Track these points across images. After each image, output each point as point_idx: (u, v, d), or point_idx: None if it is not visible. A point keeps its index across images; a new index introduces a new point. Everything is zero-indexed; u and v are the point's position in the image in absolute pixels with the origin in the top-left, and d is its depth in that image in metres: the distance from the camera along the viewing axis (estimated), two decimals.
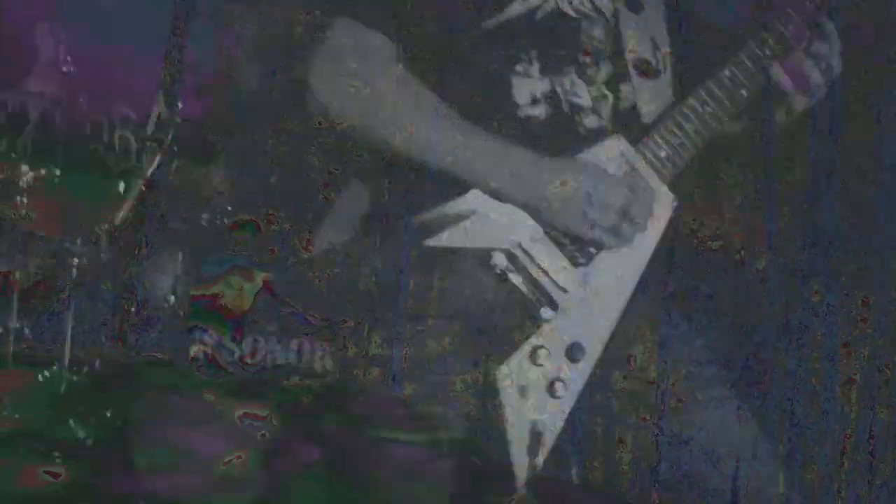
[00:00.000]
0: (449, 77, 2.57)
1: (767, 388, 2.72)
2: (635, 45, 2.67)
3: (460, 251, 2.52)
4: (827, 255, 2.78)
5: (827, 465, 2.74)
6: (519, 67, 2.60)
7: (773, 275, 2.79)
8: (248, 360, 2.51)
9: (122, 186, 3.44)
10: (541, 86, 2.60)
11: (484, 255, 2.52)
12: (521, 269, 2.53)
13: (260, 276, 2.52)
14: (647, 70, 2.67)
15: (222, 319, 2.52)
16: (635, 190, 2.56)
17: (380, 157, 2.54)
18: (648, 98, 2.66)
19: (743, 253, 2.83)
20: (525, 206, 2.52)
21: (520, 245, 2.53)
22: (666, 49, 2.71)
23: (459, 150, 2.50)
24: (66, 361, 3.24)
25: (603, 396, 2.58)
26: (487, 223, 2.53)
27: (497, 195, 2.51)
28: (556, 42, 2.61)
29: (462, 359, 2.53)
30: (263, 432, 2.46)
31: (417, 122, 2.51)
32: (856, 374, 2.78)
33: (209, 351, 2.51)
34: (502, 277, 2.52)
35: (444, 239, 2.51)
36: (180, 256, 3.30)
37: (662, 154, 2.60)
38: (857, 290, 2.82)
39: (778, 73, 2.65)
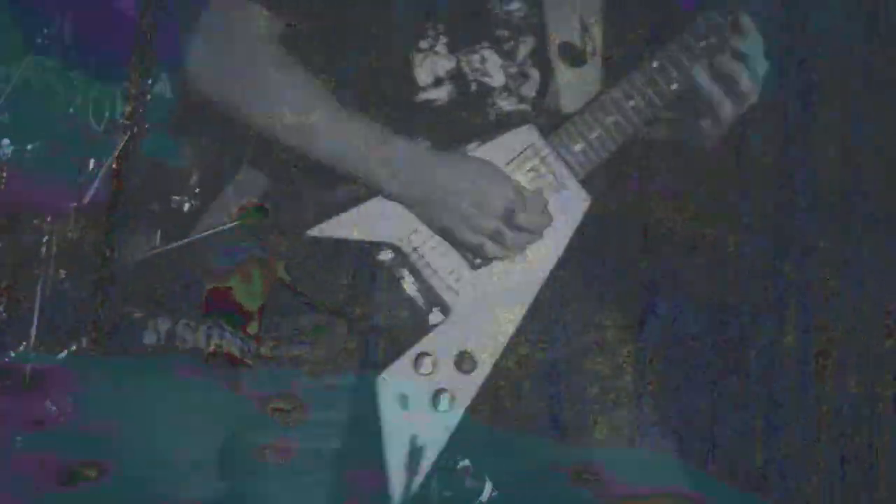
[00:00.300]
0: (341, 56, 2.33)
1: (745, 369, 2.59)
2: (560, 26, 2.41)
3: (344, 243, 2.28)
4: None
5: (804, 438, 2.64)
6: (423, 43, 2.35)
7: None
8: (266, 353, 2.30)
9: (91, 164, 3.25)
10: (446, 64, 2.35)
11: (370, 249, 2.29)
12: (410, 267, 2.29)
13: (279, 267, 2.29)
14: (572, 55, 2.41)
15: (239, 313, 2.30)
16: (522, 192, 2.30)
17: (263, 142, 2.31)
18: (571, 85, 2.40)
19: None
20: (405, 203, 2.28)
21: (410, 240, 2.29)
22: (597, 33, 2.45)
23: (338, 139, 2.26)
24: (32, 343, 3.05)
25: (493, 412, 2.33)
26: (376, 214, 2.29)
27: (377, 189, 2.27)
28: (466, 13, 2.36)
29: (339, 362, 2.30)
30: None
31: (295, 108, 2.27)
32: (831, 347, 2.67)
33: (225, 346, 2.31)
34: (389, 275, 2.29)
35: (327, 229, 2.28)
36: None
37: (577, 148, 2.34)
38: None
39: (700, 75, 2.38)
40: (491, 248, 2.29)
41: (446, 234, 2.30)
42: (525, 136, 2.33)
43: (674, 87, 2.36)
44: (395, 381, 2.27)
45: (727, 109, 2.36)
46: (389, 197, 2.28)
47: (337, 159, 2.27)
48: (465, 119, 2.35)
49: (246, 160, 2.38)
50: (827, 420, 2.62)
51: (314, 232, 2.27)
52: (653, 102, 2.35)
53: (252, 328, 2.30)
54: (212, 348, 2.29)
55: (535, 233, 2.30)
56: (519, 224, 2.29)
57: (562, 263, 2.36)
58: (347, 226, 2.28)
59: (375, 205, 2.29)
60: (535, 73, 2.39)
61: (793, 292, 2.64)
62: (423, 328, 2.29)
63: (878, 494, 2.61)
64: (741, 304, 2.60)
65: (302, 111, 2.28)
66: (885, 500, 2.60)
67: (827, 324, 2.63)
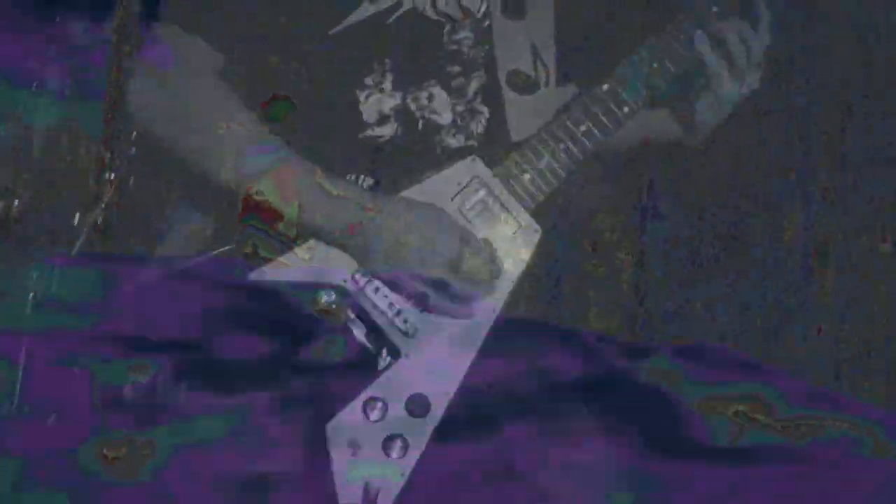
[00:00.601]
0: (284, 91, 2.27)
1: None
2: (511, 53, 2.34)
3: (287, 284, 2.21)
4: None
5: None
6: (369, 80, 2.28)
7: None
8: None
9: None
10: (391, 101, 2.28)
11: (312, 290, 2.21)
12: (356, 308, 2.21)
13: (317, 170, 2.21)
14: (522, 84, 2.33)
15: (274, 217, 2.22)
16: (470, 241, 2.20)
17: (200, 178, 2.26)
18: (522, 114, 2.32)
19: None
20: (342, 247, 2.20)
21: (356, 280, 2.21)
22: (551, 60, 2.37)
23: (272, 177, 2.19)
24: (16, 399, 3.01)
25: (449, 458, 2.23)
26: (319, 252, 2.21)
27: (313, 232, 2.19)
28: (413, 49, 2.29)
29: (286, 409, 2.21)
30: None
31: (231, 145, 2.22)
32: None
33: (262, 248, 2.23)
34: (333, 317, 2.21)
35: (268, 272, 2.21)
36: None
37: (525, 178, 2.26)
38: None
39: (702, 45, 2.30)
40: (434, 299, 2.20)
41: (389, 283, 2.21)
42: (469, 167, 2.25)
43: (625, 109, 2.27)
44: (344, 428, 2.18)
45: (726, 82, 2.27)
46: (329, 243, 2.21)
47: (271, 199, 2.20)
48: (410, 156, 2.28)
49: (183, 196, 2.34)
50: (827, 317, 2.65)
51: (254, 275, 2.21)
52: (603, 126, 2.26)
53: (289, 230, 2.21)
54: (249, 249, 2.21)
55: (483, 282, 2.21)
56: (465, 272, 2.20)
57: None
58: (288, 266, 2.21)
59: (316, 243, 2.22)
60: (484, 110, 2.32)
61: (790, 191, 2.68)
62: (372, 371, 2.20)
63: (876, 389, 2.64)
64: (738, 202, 2.66)
65: (238, 148, 2.22)
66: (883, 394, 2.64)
67: (825, 221, 2.66)
